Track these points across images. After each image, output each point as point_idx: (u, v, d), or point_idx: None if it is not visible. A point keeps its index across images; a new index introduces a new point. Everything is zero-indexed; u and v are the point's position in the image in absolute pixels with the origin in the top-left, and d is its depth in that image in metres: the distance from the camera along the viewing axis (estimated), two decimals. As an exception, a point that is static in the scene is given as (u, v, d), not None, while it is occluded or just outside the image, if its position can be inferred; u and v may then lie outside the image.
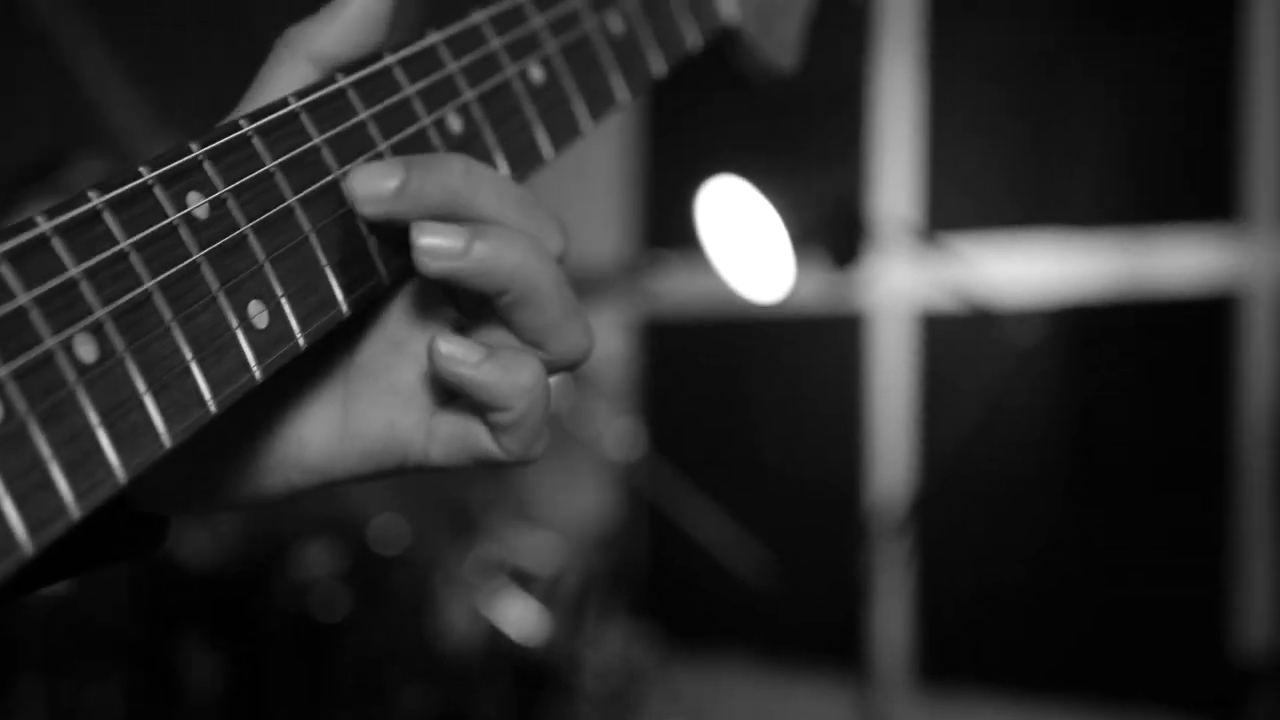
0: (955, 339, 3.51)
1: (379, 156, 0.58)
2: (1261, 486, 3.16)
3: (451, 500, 3.44)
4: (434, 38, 0.61)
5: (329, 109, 0.57)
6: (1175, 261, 3.29)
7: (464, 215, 0.57)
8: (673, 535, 3.26)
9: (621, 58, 0.68)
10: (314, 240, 0.55)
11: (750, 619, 3.77)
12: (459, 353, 0.56)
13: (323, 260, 0.55)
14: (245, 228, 0.52)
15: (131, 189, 0.49)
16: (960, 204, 3.61)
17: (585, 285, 3.13)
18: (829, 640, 3.56)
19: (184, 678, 2.69)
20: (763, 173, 2.67)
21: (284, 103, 0.56)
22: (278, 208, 0.53)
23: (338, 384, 0.61)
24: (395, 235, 0.57)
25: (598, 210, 4.12)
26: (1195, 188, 3.32)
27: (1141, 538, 3.32)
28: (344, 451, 0.60)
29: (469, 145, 0.62)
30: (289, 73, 0.60)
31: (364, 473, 0.61)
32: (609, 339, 3.96)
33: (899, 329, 3.67)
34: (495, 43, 0.63)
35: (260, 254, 0.52)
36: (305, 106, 0.56)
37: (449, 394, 0.60)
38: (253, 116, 0.54)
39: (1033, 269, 3.44)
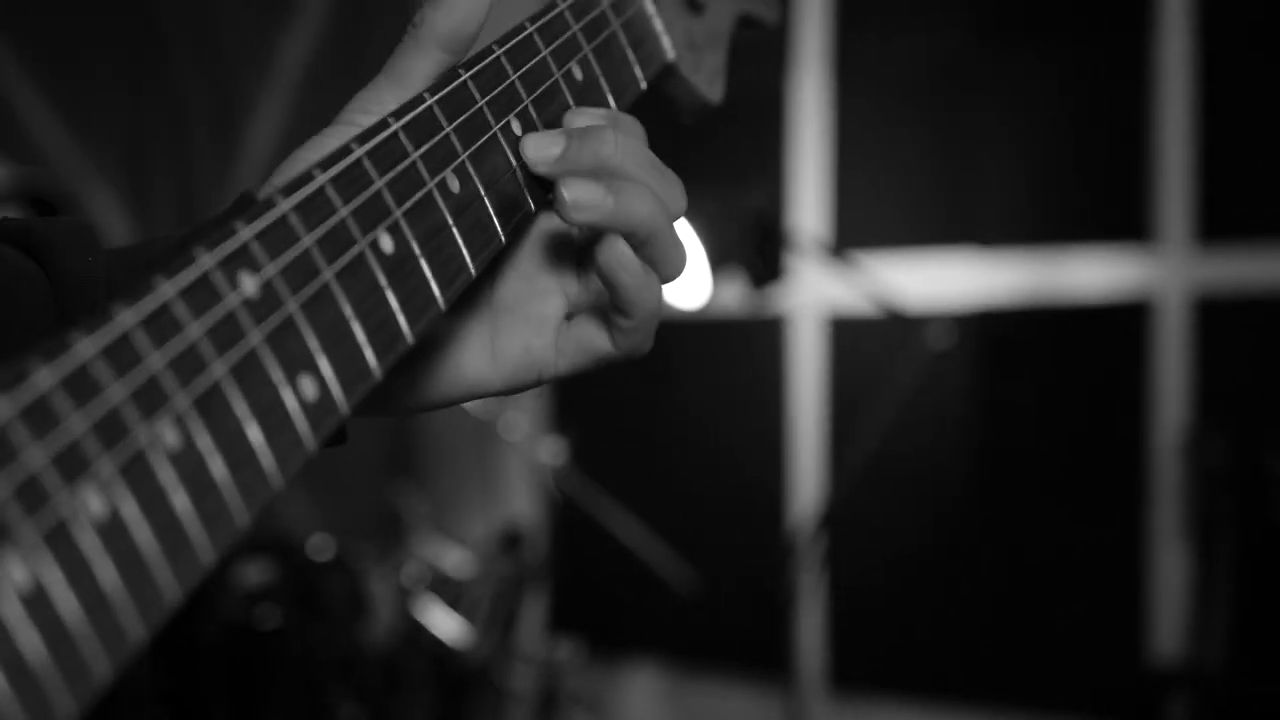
0: (868, 344, 3.54)
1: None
2: (1173, 491, 3.21)
3: (380, 510, 3.48)
4: (429, 99, 0.68)
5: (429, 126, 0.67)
6: (1086, 275, 3.35)
7: (609, 174, 0.70)
8: (595, 541, 3.29)
9: (584, 102, 0.77)
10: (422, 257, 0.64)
11: (671, 624, 3.80)
12: (631, 265, 0.69)
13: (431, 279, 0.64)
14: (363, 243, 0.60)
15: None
16: (871, 222, 3.64)
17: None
18: (749, 646, 3.57)
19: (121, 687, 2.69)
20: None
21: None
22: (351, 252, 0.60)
23: (484, 318, 0.74)
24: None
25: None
26: (1106, 206, 3.37)
27: (1054, 543, 3.37)
28: (494, 371, 0.74)
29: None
30: (422, 59, 0.71)
31: (507, 387, 0.74)
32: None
33: (815, 334, 3.71)
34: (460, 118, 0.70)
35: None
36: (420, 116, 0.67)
37: (574, 315, 0.74)
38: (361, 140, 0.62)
39: (945, 280, 3.49)
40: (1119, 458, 3.31)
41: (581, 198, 0.67)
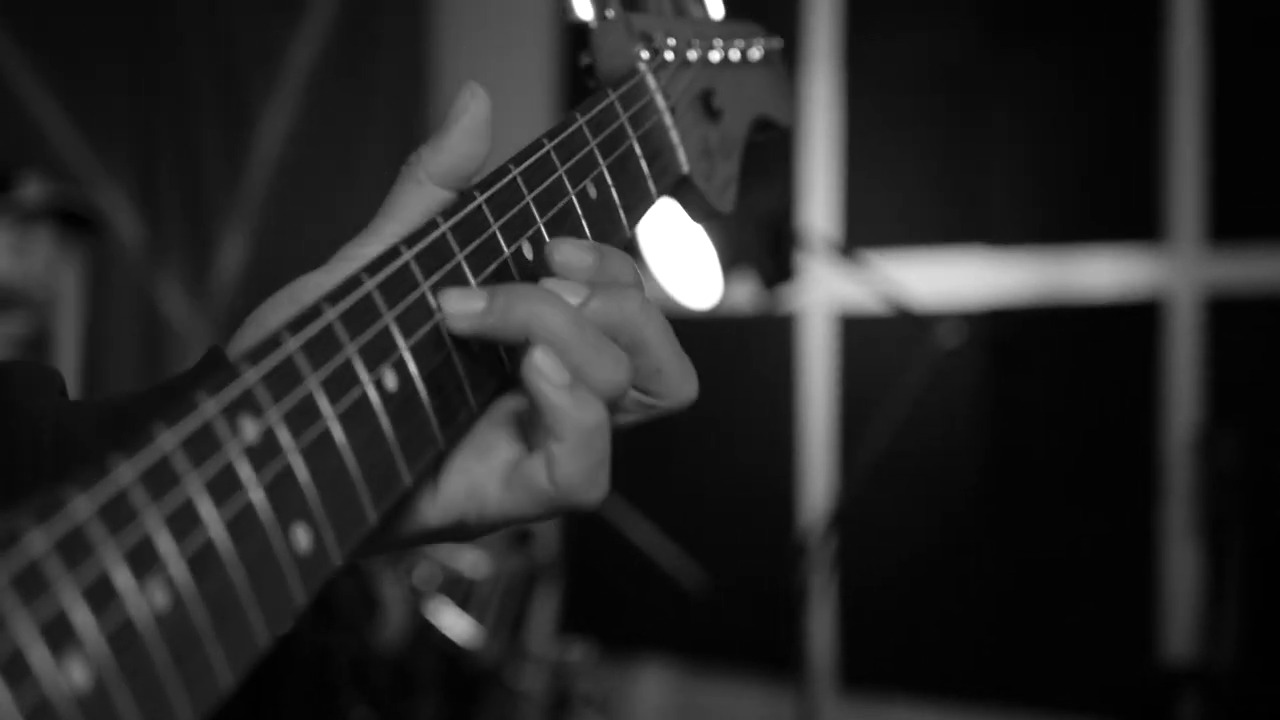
0: (879, 344, 3.54)
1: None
2: (1184, 491, 3.21)
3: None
4: (443, 226, 0.66)
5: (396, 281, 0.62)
6: (1097, 275, 3.34)
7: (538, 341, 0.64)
8: (606, 541, 3.29)
9: (596, 220, 0.75)
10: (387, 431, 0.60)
11: (682, 623, 3.80)
12: (551, 372, 0.63)
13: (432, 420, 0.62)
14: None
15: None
16: (881, 221, 3.64)
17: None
18: (760, 645, 3.58)
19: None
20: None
21: (358, 281, 0.61)
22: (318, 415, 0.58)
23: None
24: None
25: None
26: (1117, 205, 3.36)
27: (1065, 542, 3.36)
28: (432, 504, 0.67)
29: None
30: (417, 194, 0.69)
31: (448, 524, 0.67)
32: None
33: (826, 333, 3.71)
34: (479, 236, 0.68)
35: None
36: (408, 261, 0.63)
37: (519, 449, 0.67)
38: (372, 269, 0.60)
39: (955, 279, 3.49)
40: (1130, 457, 3.31)
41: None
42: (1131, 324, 3.31)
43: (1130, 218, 3.32)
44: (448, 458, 0.67)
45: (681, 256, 2.72)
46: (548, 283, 0.66)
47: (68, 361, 3.49)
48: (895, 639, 3.60)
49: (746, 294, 2.93)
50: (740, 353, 3.81)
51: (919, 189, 3.62)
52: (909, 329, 2.85)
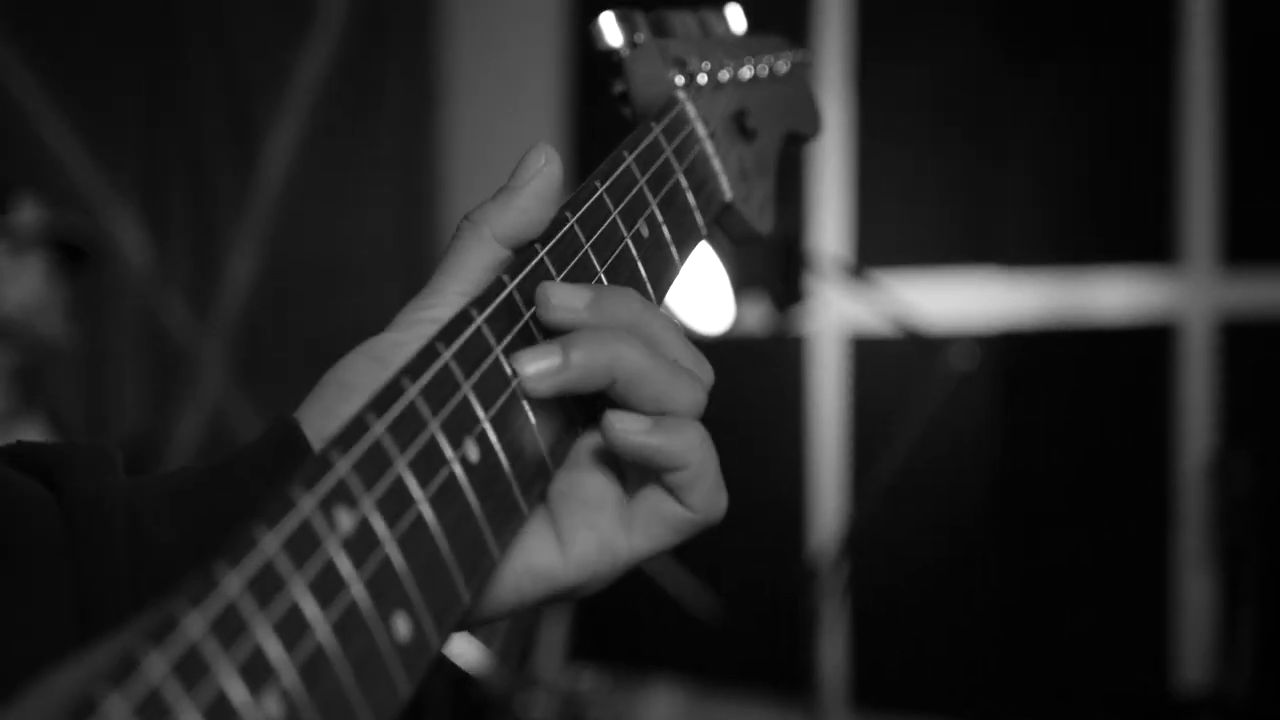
0: (890, 365, 3.51)
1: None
2: (1198, 515, 3.19)
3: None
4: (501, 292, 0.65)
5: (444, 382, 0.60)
6: (1110, 297, 3.33)
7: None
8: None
9: (650, 259, 0.74)
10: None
11: (693, 646, 3.78)
12: (631, 424, 0.63)
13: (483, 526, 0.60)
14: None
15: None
16: (892, 242, 3.63)
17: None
18: (771, 667, 3.57)
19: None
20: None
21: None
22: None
23: (541, 514, 0.67)
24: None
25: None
26: (1130, 227, 3.35)
27: (1078, 566, 3.35)
28: (563, 561, 0.66)
29: None
30: (476, 253, 0.68)
31: (581, 578, 0.67)
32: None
33: (837, 355, 3.69)
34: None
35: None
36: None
37: (632, 486, 0.68)
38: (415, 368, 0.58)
39: (967, 300, 3.48)
40: (1143, 480, 3.29)
41: (539, 367, 0.62)
42: (1144, 347, 3.29)
43: (1143, 239, 3.31)
44: (563, 523, 0.66)
45: (693, 280, 2.71)
46: (554, 289, 0.65)
47: (65, 388, 3.48)
48: (907, 661, 3.59)
49: (757, 316, 2.91)
50: (751, 375, 3.80)
51: (930, 210, 3.60)
52: (920, 351, 2.84)
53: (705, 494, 0.66)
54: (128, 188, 3.76)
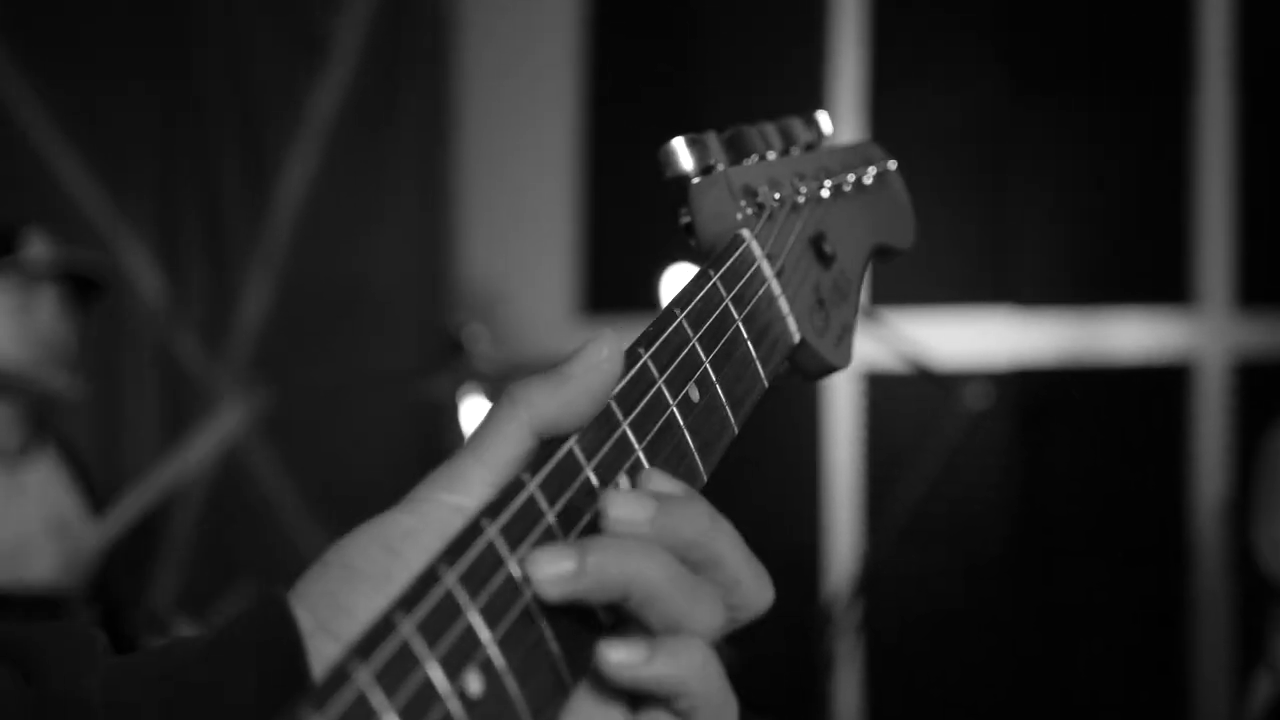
0: (905, 405, 3.51)
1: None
2: (1215, 555, 3.19)
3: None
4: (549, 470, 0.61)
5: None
6: (1126, 337, 3.33)
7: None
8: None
9: (699, 427, 0.69)
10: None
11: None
12: (628, 657, 0.58)
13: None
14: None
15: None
16: (907, 280, 3.61)
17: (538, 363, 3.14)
18: (787, 708, 3.56)
19: None
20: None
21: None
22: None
23: None
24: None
25: (549, 288, 4.13)
26: (1146, 268, 3.35)
27: (1094, 605, 3.34)
28: None
29: None
30: (511, 440, 0.62)
31: None
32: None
33: (852, 394, 3.69)
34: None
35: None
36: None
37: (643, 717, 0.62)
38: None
39: (982, 339, 3.47)
40: (1159, 520, 3.29)
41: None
42: (1160, 386, 3.29)
43: (1159, 280, 3.31)
44: None
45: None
46: (615, 499, 0.59)
47: (76, 422, 3.47)
48: (922, 700, 3.57)
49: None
50: (765, 412, 3.77)
51: (945, 248, 3.60)
52: (935, 389, 2.83)
53: (711, 714, 0.61)
54: (141, 221, 3.77)
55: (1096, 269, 3.40)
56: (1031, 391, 3.41)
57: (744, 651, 3.28)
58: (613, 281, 3.96)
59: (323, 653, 0.56)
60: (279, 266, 4.04)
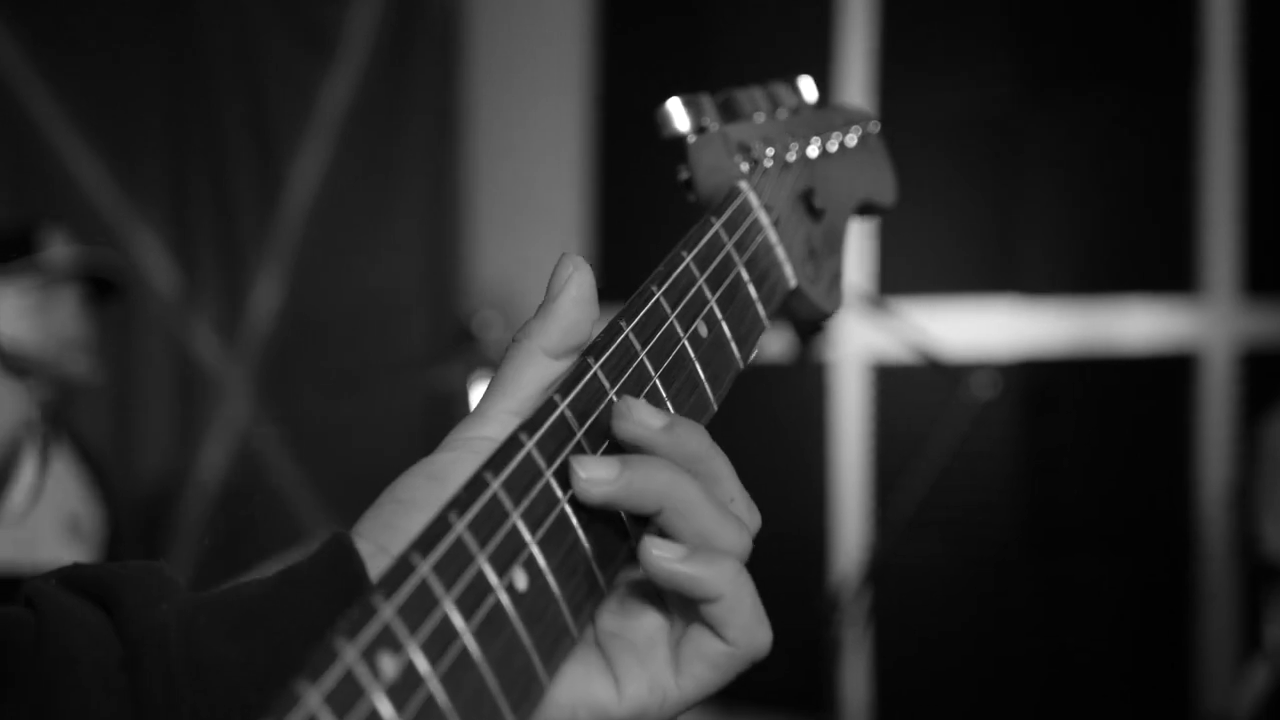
0: (912, 394, 3.52)
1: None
2: (1221, 542, 3.20)
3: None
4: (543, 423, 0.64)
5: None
6: (1132, 327, 3.34)
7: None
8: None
9: (709, 360, 0.74)
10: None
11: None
12: (667, 551, 0.63)
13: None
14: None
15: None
16: (915, 270, 3.64)
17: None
18: (794, 696, 3.57)
19: None
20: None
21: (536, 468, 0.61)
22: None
23: (598, 652, 0.66)
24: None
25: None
26: (1152, 257, 3.36)
27: (1101, 593, 3.35)
28: (619, 702, 0.65)
29: None
30: (530, 368, 0.68)
31: (635, 718, 0.66)
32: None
33: (859, 383, 3.70)
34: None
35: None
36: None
37: (677, 627, 0.67)
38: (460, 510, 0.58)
39: (989, 329, 3.49)
40: (1165, 509, 3.29)
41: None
42: (1166, 376, 3.29)
43: (1165, 269, 3.32)
44: (617, 663, 0.66)
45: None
46: (636, 404, 0.65)
47: (91, 418, 3.50)
48: (930, 688, 3.58)
49: (780, 344, 2.93)
50: (773, 403, 3.80)
51: (952, 239, 3.61)
52: (942, 378, 2.84)
53: (743, 627, 0.66)
54: (154, 218, 3.79)
55: (1103, 258, 3.41)
56: (1038, 380, 3.42)
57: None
58: (623, 274, 3.94)
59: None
60: (290, 260, 4.06)
